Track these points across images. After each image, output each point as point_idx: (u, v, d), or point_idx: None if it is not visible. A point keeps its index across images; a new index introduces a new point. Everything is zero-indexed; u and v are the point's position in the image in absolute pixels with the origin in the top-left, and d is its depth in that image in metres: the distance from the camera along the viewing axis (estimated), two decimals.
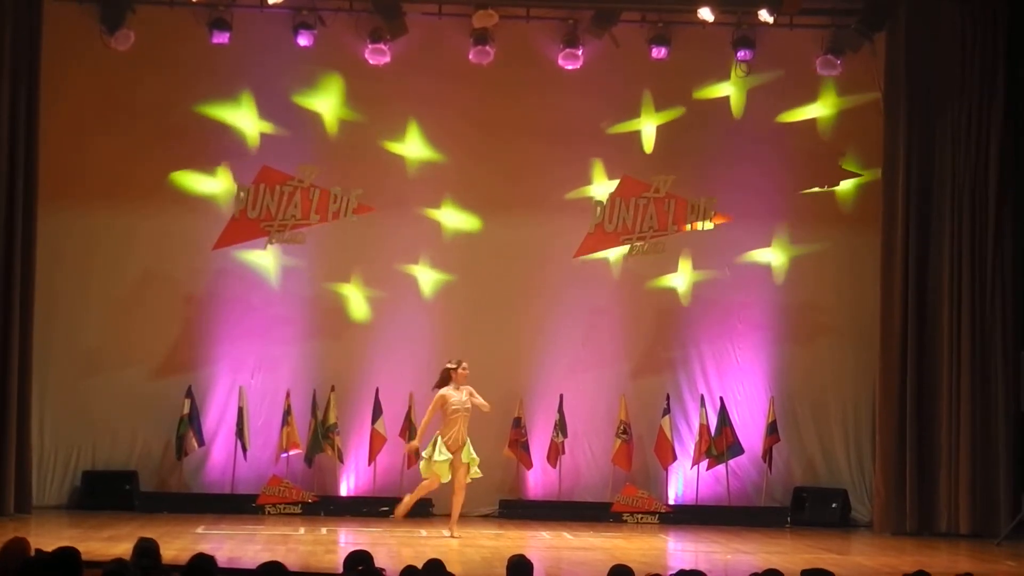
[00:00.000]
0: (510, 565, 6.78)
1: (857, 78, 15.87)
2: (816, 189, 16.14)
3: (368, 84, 15.89)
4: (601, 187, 16.17)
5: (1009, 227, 14.95)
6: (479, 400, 13.21)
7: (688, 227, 16.21)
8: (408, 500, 13.38)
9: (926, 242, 15.06)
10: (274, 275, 15.88)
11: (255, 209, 15.86)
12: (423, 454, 13.17)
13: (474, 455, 13.17)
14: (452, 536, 13.07)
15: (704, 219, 16.20)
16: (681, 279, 16.21)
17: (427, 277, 16.04)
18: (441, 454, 12.97)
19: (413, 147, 16.02)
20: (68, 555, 5.96)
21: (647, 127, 16.14)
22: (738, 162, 16.01)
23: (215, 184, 15.85)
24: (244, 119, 15.83)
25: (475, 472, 13.20)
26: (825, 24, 15.80)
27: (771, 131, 16.12)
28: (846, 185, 16.21)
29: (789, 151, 16.14)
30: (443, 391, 13.12)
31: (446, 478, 13.05)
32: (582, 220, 16.14)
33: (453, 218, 16.08)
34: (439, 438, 13.03)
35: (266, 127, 15.86)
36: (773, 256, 16.21)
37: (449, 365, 13.24)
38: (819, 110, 16.18)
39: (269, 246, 15.88)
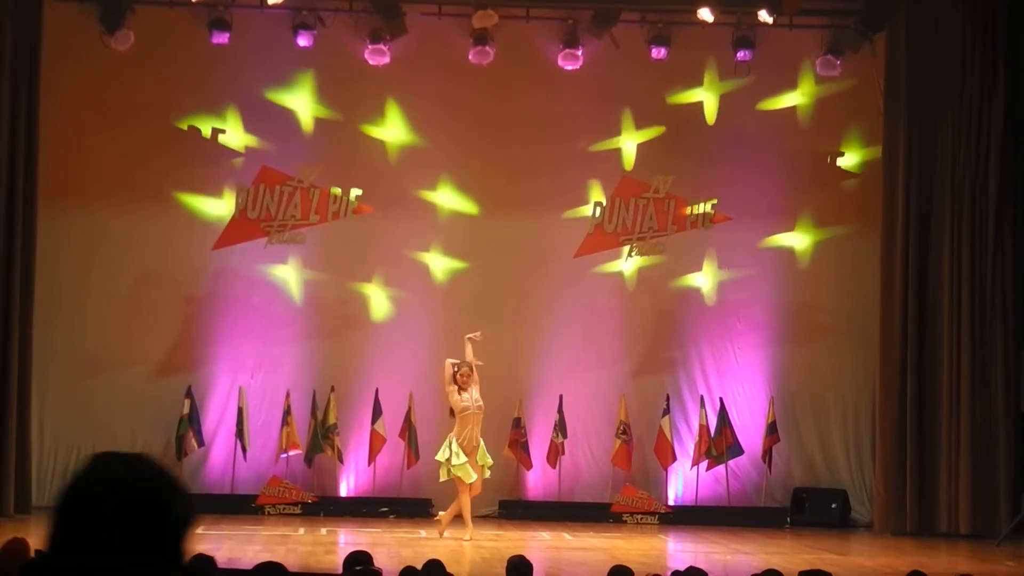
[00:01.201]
0: (510, 566, 6.79)
1: (857, 78, 15.87)
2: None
3: (368, 84, 15.89)
4: (600, 189, 16.17)
5: (1009, 227, 14.95)
6: (470, 355, 13.15)
7: (688, 227, 16.20)
8: (449, 513, 13.20)
9: (926, 242, 15.06)
10: (274, 275, 15.88)
11: (255, 209, 15.87)
12: (438, 457, 13.10)
13: (489, 459, 13.15)
14: (470, 539, 12.92)
15: (704, 219, 16.19)
16: (681, 279, 16.21)
17: (427, 278, 16.04)
18: (458, 457, 12.91)
19: (413, 148, 16.02)
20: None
21: (640, 136, 16.13)
22: (738, 162, 16.01)
23: (215, 184, 15.85)
24: (244, 119, 15.82)
25: (485, 475, 13.19)
26: (825, 24, 15.80)
27: (771, 131, 16.11)
28: (846, 185, 16.22)
29: (787, 149, 16.14)
30: (454, 390, 13.08)
31: (471, 478, 12.96)
32: (582, 221, 16.14)
33: (453, 218, 16.08)
34: (453, 440, 12.98)
35: (266, 128, 15.85)
36: (772, 256, 16.21)
37: (452, 360, 13.24)
38: (819, 110, 16.17)
39: (269, 246, 15.88)
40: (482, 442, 13.11)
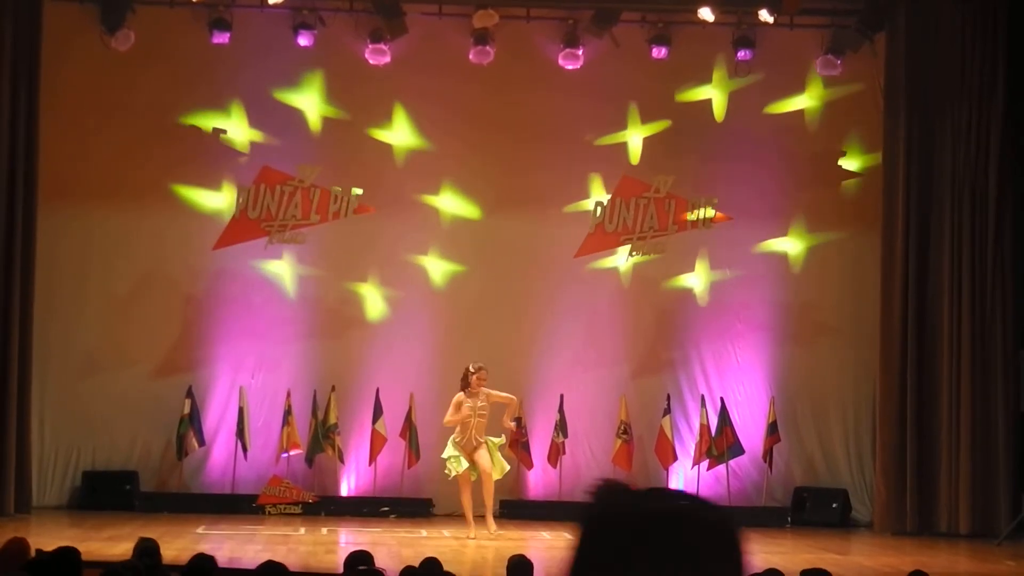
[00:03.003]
0: (510, 565, 6.78)
1: (857, 78, 15.87)
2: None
3: (368, 84, 15.89)
4: (602, 187, 16.17)
5: (1009, 227, 14.95)
6: (498, 395, 13.29)
7: (688, 227, 16.20)
8: (467, 509, 13.32)
9: (926, 242, 15.06)
10: (274, 275, 15.88)
11: (255, 209, 15.86)
12: (447, 458, 13.30)
13: (500, 463, 13.31)
14: (491, 533, 13.22)
15: (704, 219, 16.19)
16: (681, 279, 16.20)
17: (428, 277, 16.03)
18: (449, 451, 13.17)
19: (413, 147, 16.01)
20: (68, 555, 5.96)
21: (645, 130, 16.13)
22: (739, 162, 16.00)
23: (215, 184, 15.86)
24: (244, 119, 15.82)
25: (502, 469, 13.43)
26: (825, 24, 15.80)
27: (771, 131, 16.11)
28: (848, 186, 16.22)
29: (790, 151, 16.14)
30: (458, 396, 13.23)
31: (462, 467, 13.12)
32: (583, 220, 16.14)
33: (454, 218, 16.08)
34: (451, 440, 13.25)
35: (266, 127, 15.85)
36: (773, 256, 16.20)
37: (469, 368, 13.30)
38: (819, 110, 16.17)
39: (269, 246, 15.88)
40: (488, 443, 13.24)
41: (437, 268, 16.06)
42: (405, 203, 15.96)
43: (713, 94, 16.12)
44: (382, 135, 16.03)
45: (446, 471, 13.34)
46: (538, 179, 15.98)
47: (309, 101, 15.93)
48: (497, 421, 13.48)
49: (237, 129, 15.84)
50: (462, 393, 13.25)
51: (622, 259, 16.18)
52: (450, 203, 16.08)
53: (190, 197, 15.78)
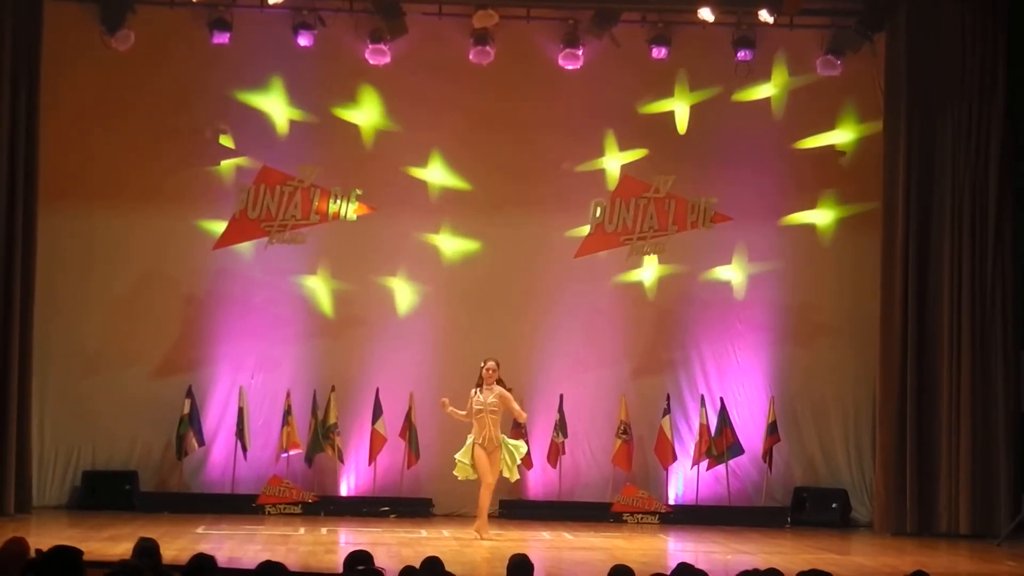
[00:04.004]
0: (510, 565, 6.78)
1: (857, 78, 15.87)
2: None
3: (368, 84, 15.89)
4: (602, 187, 16.17)
5: (1009, 227, 14.95)
6: (515, 407, 13.29)
7: (688, 227, 16.20)
8: (481, 515, 13.19)
9: (926, 242, 15.06)
10: (274, 275, 15.88)
11: (255, 209, 15.86)
12: (456, 456, 13.23)
13: (522, 448, 13.33)
14: (483, 537, 12.95)
15: (704, 219, 16.19)
16: (681, 280, 16.20)
17: (428, 278, 16.03)
18: (465, 456, 13.08)
19: (413, 148, 16.01)
20: (69, 554, 5.94)
21: (646, 129, 16.15)
22: (739, 162, 16.00)
23: (215, 184, 15.85)
24: (244, 119, 15.81)
25: (512, 475, 13.27)
26: (825, 24, 15.80)
27: (770, 131, 16.11)
28: (847, 186, 16.22)
29: (789, 151, 16.13)
30: (473, 391, 13.22)
31: (469, 477, 13.09)
32: (583, 220, 16.14)
33: (454, 219, 16.07)
34: (470, 439, 13.14)
35: (265, 127, 15.85)
36: (772, 256, 16.20)
37: (481, 363, 13.33)
38: (821, 110, 16.16)
39: (269, 246, 15.88)
40: (504, 438, 13.22)
41: (437, 268, 16.05)
42: (404, 203, 15.96)
43: (712, 95, 16.11)
44: (382, 135, 16.02)
45: (455, 472, 13.29)
46: (538, 179, 15.98)
47: (310, 101, 15.91)
48: (509, 419, 13.62)
49: (234, 131, 15.82)
50: (475, 389, 13.27)
51: (622, 259, 16.18)
52: (450, 203, 16.06)
53: (190, 197, 15.76)
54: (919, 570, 7.04)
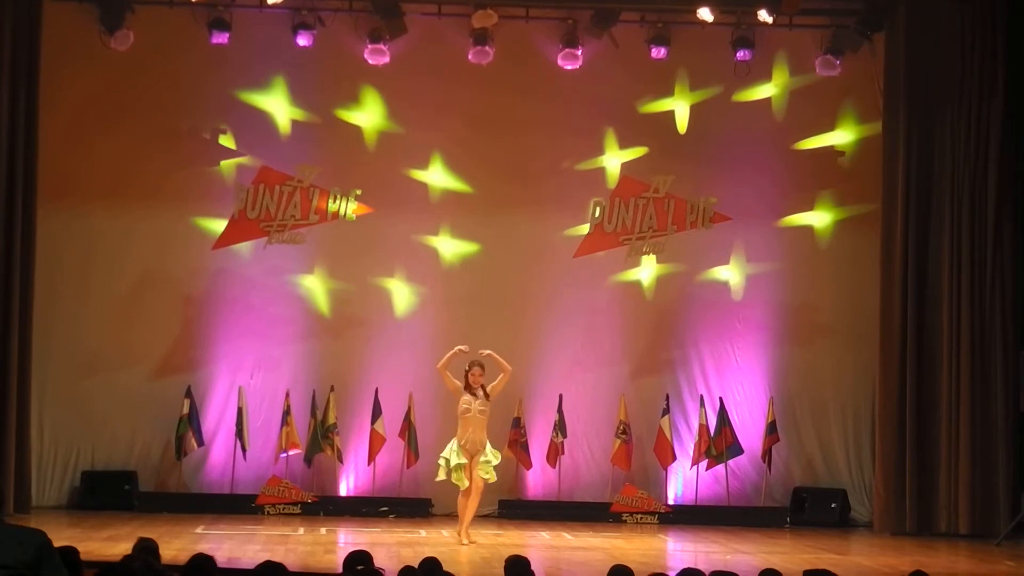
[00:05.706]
0: (508, 565, 6.77)
1: (857, 78, 15.87)
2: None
3: (367, 84, 15.89)
4: (602, 187, 16.17)
5: (1009, 227, 14.94)
6: (501, 363, 12.91)
7: (688, 227, 16.20)
8: (464, 521, 12.80)
9: (926, 242, 15.06)
10: (274, 275, 15.88)
11: (255, 209, 15.87)
12: (440, 460, 12.90)
13: (496, 457, 12.81)
14: (467, 542, 12.64)
15: (704, 219, 16.19)
16: (681, 280, 16.20)
17: (428, 278, 16.03)
18: (458, 456, 12.68)
19: (413, 147, 16.01)
20: (68, 554, 5.95)
21: (645, 129, 16.15)
22: (738, 162, 16.01)
23: (215, 184, 15.85)
24: (244, 119, 15.81)
25: (490, 476, 12.83)
26: (825, 24, 15.80)
27: (769, 131, 16.11)
28: (846, 186, 16.22)
29: (789, 151, 16.13)
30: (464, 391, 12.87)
31: (462, 485, 12.76)
32: (582, 220, 16.14)
33: (453, 219, 16.07)
34: (455, 442, 12.78)
35: (265, 127, 15.86)
36: (772, 257, 16.20)
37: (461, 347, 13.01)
38: (818, 110, 16.17)
39: (269, 246, 15.88)
40: (488, 443, 12.86)
41: (437, 269, 16.06)
42: (404, 203, 15.96)
43: (711, 95, 16.11)
44: (381, 135, 16.02)
45: (443, 477, 12.89)
46: (537, 179, 15.98)
47: (309, 101, 15.91)
48: (498, 423, 13.42)
49: (233, 131, 15.83)
50: (466, 391, 12.91)
51: (621, 259, 16.18)
52: (449, 203, 16.06)
53: (190, 197, 15.77)
54: (918, 570, 7.04)
